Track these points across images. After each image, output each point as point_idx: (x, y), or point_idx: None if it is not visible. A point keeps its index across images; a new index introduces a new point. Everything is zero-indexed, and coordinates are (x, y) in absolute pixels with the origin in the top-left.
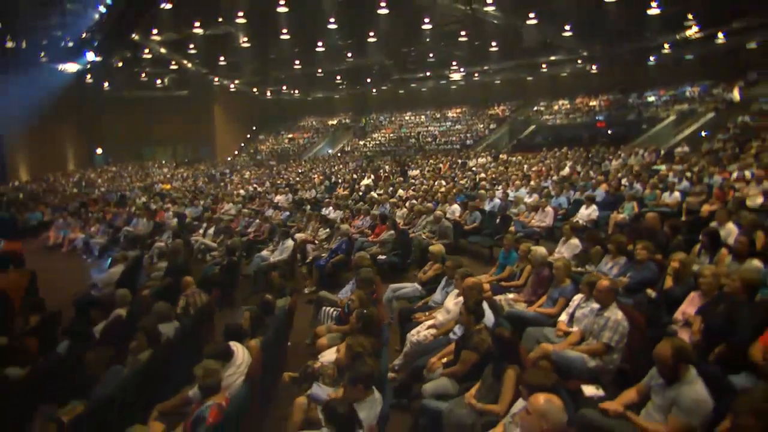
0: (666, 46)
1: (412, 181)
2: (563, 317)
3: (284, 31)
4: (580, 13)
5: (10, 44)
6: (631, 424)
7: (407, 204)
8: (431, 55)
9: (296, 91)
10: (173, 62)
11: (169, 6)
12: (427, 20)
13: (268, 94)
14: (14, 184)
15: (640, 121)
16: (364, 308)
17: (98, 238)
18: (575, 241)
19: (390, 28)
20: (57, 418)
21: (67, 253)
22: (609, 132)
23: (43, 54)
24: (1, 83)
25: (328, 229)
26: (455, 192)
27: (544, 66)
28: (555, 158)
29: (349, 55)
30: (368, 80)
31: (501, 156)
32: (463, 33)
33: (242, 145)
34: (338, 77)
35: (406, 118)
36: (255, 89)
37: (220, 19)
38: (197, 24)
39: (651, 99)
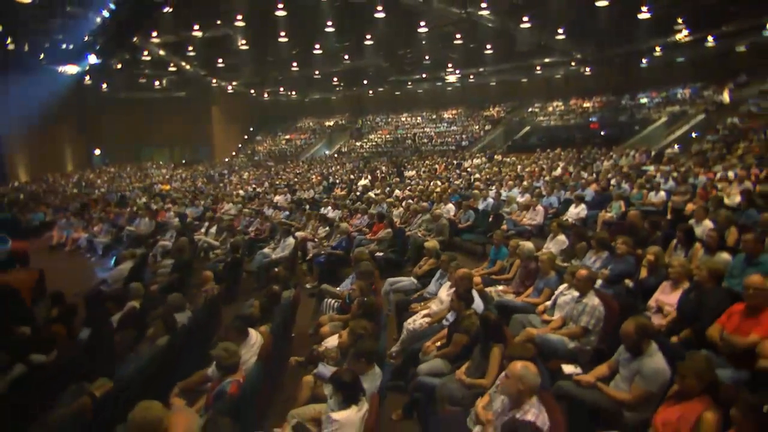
0: (657, 48)
1: (408, 181)
2: (546, 304)
3: (282, 33)
4: (572, 16)
5: (11, 46)
6: (601, 393)
7: (404, 203)
8: (427, 57)
9: (293, 93)
10: (172, 64)
11: (169, 9)
12: (422, 23)
13: (266, 95)
14: (14, 185)
15: (633, 122)
16: (364, 296)
17: (102, 238)
18: (562, 237)
19: (386, 31)
20: (90, 392)
21: (71, 252)
22: (602, 133)
23: (44, 56)
24: (2, 84)
25: (327, 228)
26: (450, 192)
27: (538, 68)
28: (548, 159)
29: (346, 57)
30: (365, 82)
31: (496, 157)
32: (458, 36)
33: (240, 146)
34: (335, 79)
35: (403, 119)
36: (253, 90)
37: (219, 22)
38: (196, 27)
39: (643, 101)
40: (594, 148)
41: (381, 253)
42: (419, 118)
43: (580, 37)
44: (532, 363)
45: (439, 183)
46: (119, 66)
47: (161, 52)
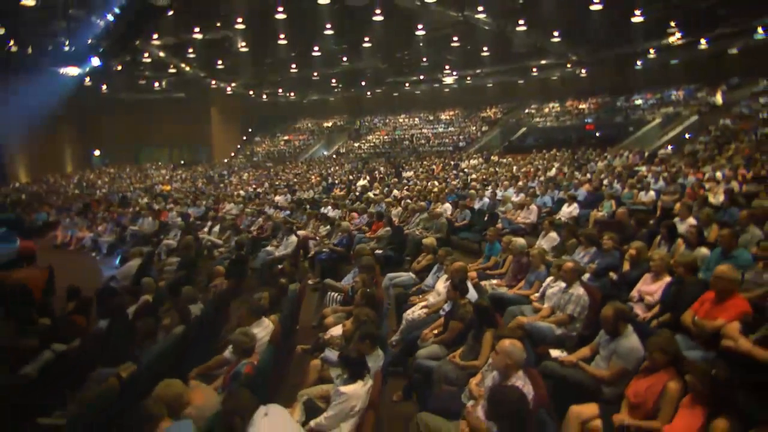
0: (652, 51)
1: (406, 181)
2: (537, 295)
3: (281, 35)
4: (567, 19)
5: (14, 48)
6: (582, 371)
7: (402, 203)
8: (425, 59)
9: (292, 94)
10: (172, 65)
11: (170, 12)
12: (420, 26)
13: (265, 96)
14: (15, 186)
15: (628, 123)
16: (367, 287)
17: (106, 237)
18: (553, 234)
19: (384, 33)
20: (117, 374)
21: (75, 251)
22: (597, 134)
23: (46, 58)
24: (3, 86)
25: (328, 227)
26: (447, 192)
27: (534, 70)
28: (544, 160)
29: (345, 59)
30: (363, 83)
31: (493, 158)
32: (455, 38)
33: (238, 146)
34: (333, 80)
35: (400, 120)
36: (251, 92)
37: (219, 24)
38: (197, 29)
39: (638, 102)
40: (588, 149)
41: (380, 251)
42: (417, 119)
43: (575, 40)
44: (519, 341)
45: (436, 183)
46: (119, 68)
47: (161, 54)
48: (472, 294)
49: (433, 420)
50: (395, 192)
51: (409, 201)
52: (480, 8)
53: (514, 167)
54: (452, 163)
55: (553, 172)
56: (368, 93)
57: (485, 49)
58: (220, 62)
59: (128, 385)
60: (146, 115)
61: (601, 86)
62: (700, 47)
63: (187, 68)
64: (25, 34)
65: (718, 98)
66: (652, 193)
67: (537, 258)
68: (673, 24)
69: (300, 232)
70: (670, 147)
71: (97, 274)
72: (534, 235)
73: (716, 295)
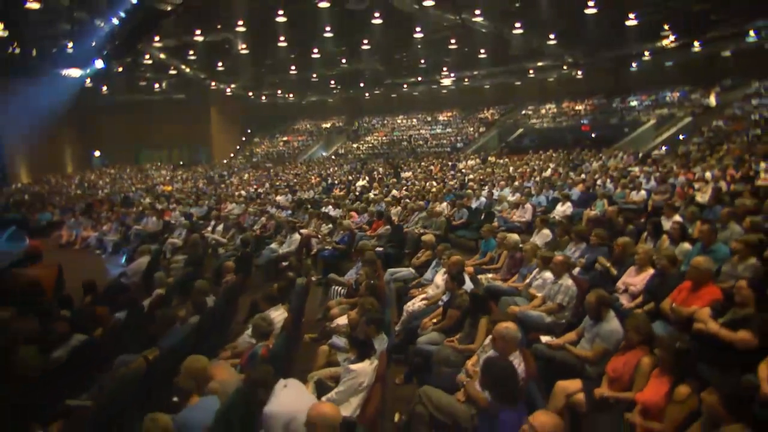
0: (646, 53)
1: (405, 182)
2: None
3: (281, 38)
4: (563, 22)
5: (17, 50)
6: (568, 353)
7: (401, 203)
8: (423, 61)
9: (291, 95)
10: (172, 67)
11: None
12: (418, 29)
13: (264, 97)
14: (17, 186)
15: (623, 124)
16: (371, 280)
17: (111, 236)
18: (546, 231)
19: (383, 35)
20: (144, 356)
21: (80, 250)
22: (593, 135)
23: (50, 61)
24: (5, 88)
25: (330, 225)
26: (445, 192)
27: (531, 71)
28: (540, 161)
29: (343, 60)
30: (361, 84)
31: (490, 158)
32: (453, 40)
33: (238, 147)
34: (332, 82)
35: (399, 121)
36: (251, 93)
37: (219, 26)
38: (198, 31)
39: (633, 103)
40: (583, 149)
41: (381, 248)
42: (415, 120)
43: (571, 42)
44: (513, 324)
45: (434, 183)
46: (120, 69)
47: (162, 56)
48: (469, 285)
49: (434, 392)
50: (394, 192)
51: (408, 200)
52: (477, 11)
53: (511, 168)
54: (450, 163)
55: (548, 172)
56: (367, 94)
57: (482, 51)
58: (220, 64)
59: (154, 366)
60: (146, 115)
61: (597, 88)
62: (693, 50)
63: (188, 70)
64: (28, 37)
65: (712, 100)
66: (643, 192)
67: (530, 253)
68: (666, 27)
69: (303, 231)
70: (664, 148)
71: (104, 271)
72: (529, 233)
73: (692, 285)
